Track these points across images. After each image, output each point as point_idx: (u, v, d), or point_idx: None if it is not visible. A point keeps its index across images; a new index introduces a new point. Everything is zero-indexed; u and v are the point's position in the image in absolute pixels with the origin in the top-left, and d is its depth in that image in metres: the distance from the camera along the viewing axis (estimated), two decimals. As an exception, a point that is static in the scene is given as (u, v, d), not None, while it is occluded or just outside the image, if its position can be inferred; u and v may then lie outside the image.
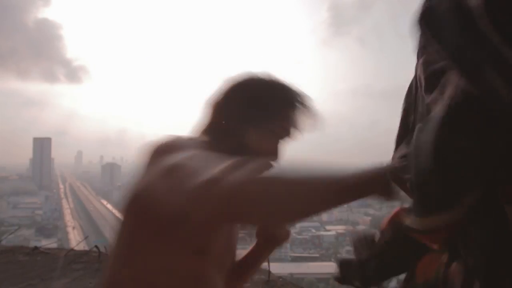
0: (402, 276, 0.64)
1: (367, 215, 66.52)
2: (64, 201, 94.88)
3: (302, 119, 0.83)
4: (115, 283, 0.74)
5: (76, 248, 4.58)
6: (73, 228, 67.60)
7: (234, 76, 0.83)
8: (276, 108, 0.81)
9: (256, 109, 0.80)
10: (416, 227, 0.45)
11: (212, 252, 0.76)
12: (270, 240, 0.94)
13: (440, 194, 0.42)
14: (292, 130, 0.83)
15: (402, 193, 0.52)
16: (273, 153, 0.83)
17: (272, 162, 0.80)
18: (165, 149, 0.73)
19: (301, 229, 57.10)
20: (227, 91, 0.82)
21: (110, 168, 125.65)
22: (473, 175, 0.39)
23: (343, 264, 0.65)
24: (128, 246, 0.73)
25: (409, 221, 0.47)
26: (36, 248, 4.25)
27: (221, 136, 0.80)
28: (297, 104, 0.82)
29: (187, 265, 0.73)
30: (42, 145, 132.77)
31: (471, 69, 0.37)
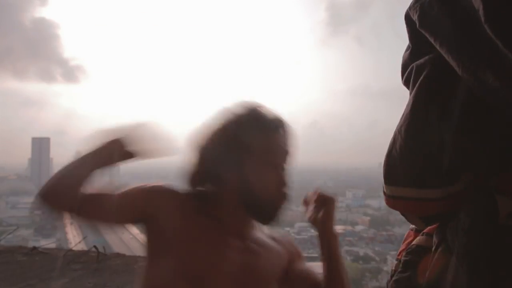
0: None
1: (366, 215, 66.52)
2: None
3: (287, 142, 0.87)
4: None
5: (74, 248, 4.57)
6: (71, 223, 67.52)
7: (213, 116, 0.87)
8: (262, 141, 0.83)
9: (245, 146, 0.82)
10: (404, 194, 0.49)
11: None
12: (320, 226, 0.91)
13: (436, 170, 0.44)
14: (283, 155, 0.87)
15: None
16: (281, 183, 0.86)
17: (285, 191, 0.86)
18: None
19: (299, 229, 57.03)
20: (210, 135, 0.85)
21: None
22: (470, 162, 0.42)
23: None
24: None
25: (393, 189, 0.51)
26: (34, 248, 4.25)
27: (220, 184, 0.85)
28: (280, 130, 0.86)
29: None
30: (40, 145, 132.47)
31: (472, 69, 0.38)
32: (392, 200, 0.52)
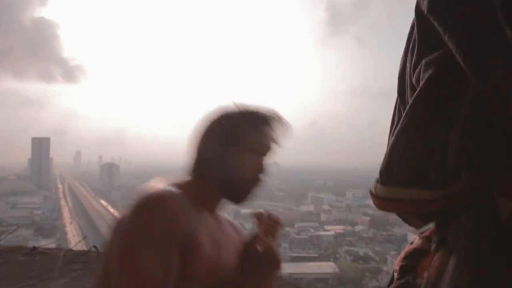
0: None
1: (366, 215, 66.53)
2: (62, 201, 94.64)
3: (274, 133, 0.96)
4: None
5: (74, 248, 4.58)
6: (70, 223, 67.50)
7: (209, 114, 0.98)
8: (249, 131, 0.94)
9: (232, 136, 0.93)
10: (396, 195, 0.49)
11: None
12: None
13: (435, 170, 0.44)
14: (268, 144, 0.96)
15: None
16: (259, 169, 0.95)
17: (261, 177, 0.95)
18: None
19: (299, 229, 57.12)
20: (205, 129, 0.96)
21: (109, 168, 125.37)
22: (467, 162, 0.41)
23: None
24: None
25: (383, 190, 0.50)
26: (34, 248, 4.26)
27: (208, 170, 0.93)
28: (266, 122, 0.95)
29: None
30: (40, 145, 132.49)
31: (482, 61, 0.38)
32: (388, 202, 0.51)
